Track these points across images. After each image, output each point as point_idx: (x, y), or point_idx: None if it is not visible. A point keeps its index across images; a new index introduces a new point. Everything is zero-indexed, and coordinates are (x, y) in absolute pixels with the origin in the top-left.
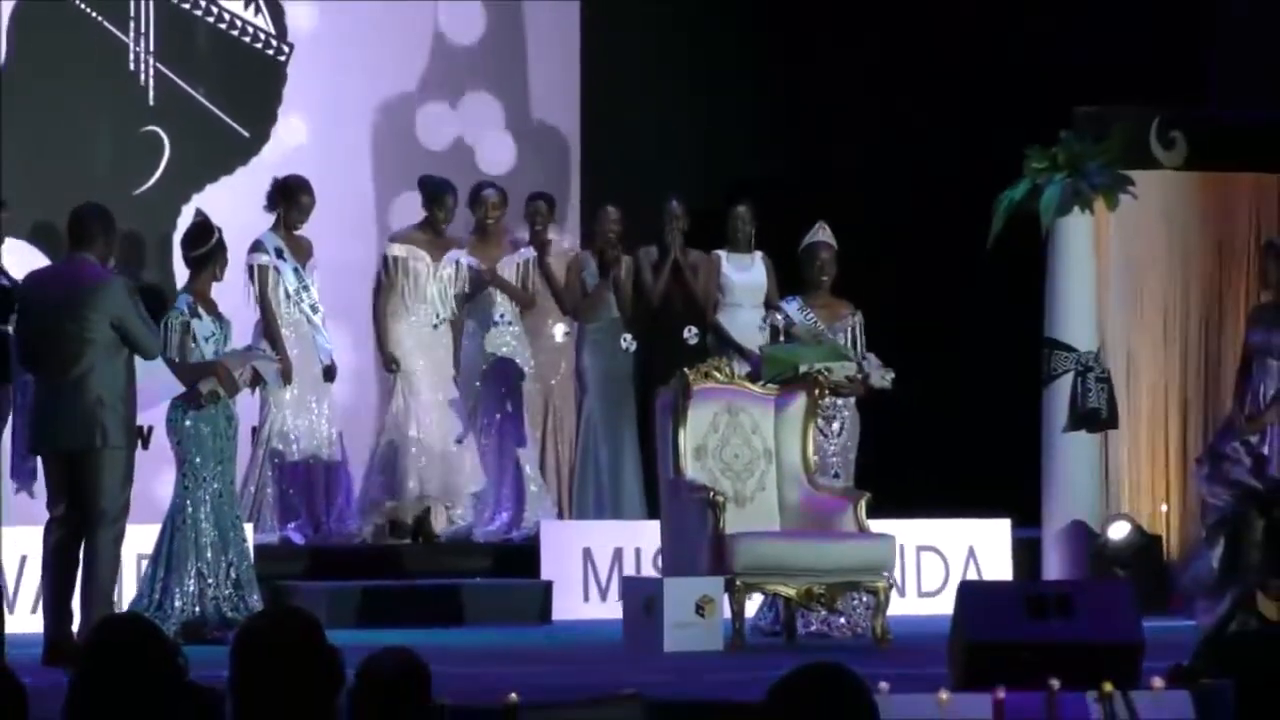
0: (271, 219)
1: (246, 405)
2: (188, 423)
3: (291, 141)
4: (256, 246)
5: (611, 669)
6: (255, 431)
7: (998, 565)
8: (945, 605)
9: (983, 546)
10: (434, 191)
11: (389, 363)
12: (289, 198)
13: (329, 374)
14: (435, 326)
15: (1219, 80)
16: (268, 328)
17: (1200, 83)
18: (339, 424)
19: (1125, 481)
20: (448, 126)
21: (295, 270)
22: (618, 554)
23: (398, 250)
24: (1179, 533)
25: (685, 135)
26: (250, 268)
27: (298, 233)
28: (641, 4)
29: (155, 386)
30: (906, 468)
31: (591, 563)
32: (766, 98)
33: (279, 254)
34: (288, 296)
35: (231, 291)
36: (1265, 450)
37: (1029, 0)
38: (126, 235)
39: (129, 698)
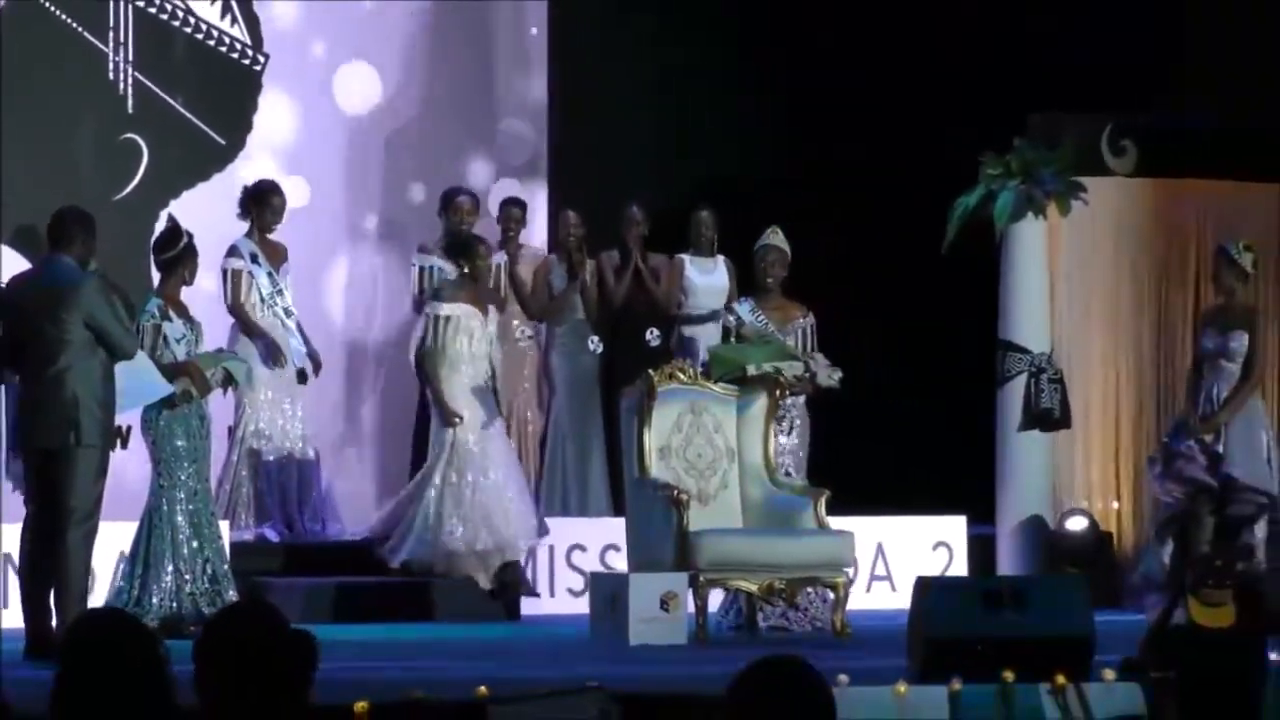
0: (245, 226)
1: (223, 406)
2: (162, 423)
3: (266, 149)
4: (231, 252)
5: (578, 662)
6: (231, 432)
7: (915, 562)
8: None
9: (893, 543)
10: (464, 247)
11: (452, 418)
12: (260, 202)
13: (302, 376)
14: (486, 381)
15: (1174, 87)
16: (245, 326)
17: (1153, 89)
18: (311, 425)
19: (1077, 479)
20: (419, 131)
21: (269, 274)
22: (585, 551)
23: (448, 310)
24: (1130, 529)
25: (650, 140)
26: (224, 272)
27: (272, 237)
28: (608, 10)
29: (137, 391)
30: (864, 466)
31: (559, 559)
32: (729, 104)
33: (253, 259)
34: (262, 300)
35: (211, 295)
36: (1220, 449)
37: (985, 9)
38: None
39: (113, 691)
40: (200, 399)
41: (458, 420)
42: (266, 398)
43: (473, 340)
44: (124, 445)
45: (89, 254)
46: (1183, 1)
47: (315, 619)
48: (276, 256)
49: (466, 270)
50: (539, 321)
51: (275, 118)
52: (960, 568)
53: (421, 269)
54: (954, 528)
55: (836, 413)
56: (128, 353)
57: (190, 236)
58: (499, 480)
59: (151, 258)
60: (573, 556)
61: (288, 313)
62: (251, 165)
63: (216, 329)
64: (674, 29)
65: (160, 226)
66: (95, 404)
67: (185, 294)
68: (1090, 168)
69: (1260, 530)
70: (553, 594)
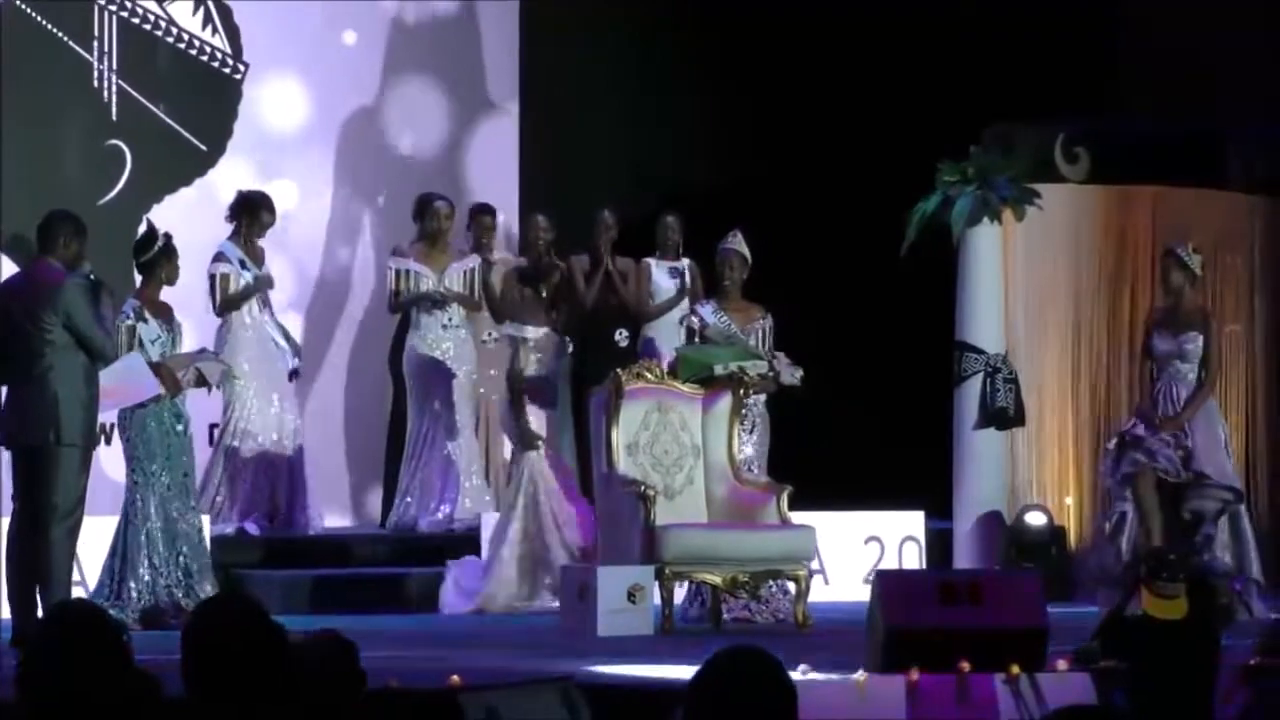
0: (229, 228)
1: (210, 403)
2: (136, 421)
3: (246, 157)
4: (218, 257)
5: (548, 652)
6: (214, 428)
7: (847, 557)
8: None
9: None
10: (532, 275)
11: (534, 441)
12: (251, 213)
13: (291, 375)
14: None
15: (1125, 95)
16: (235, 305)
17: (1105, 98)
18: (296, 421)
19: (1031, 476)
20: (392, 140)
21: (257, 278)
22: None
23: (531, 333)
24: (1081, 524)
25: (618, 147)
26: (212, 277)
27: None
28: (578, 21)
29: (127, 391)
30: (827, 463)
31: None
32: (694, 112)
33: (241, 264)
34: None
35: (199, 297)
36: (1190, 444)
37: (942, 22)
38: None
39: (77, 674)
40: (171, 399)
41: (539, 443)
42: (253, 395)
43: (544, 361)
44: (107, 443)
45: (77, 257)
46: (1131, 11)
47: (293, 610)
48: (257, 259)
49: (544, 294)
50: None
51: (256, 123)
52: (891, 561)
53: (397, 271)
54: (893, 523)
55: (798, 411)
56: (106, 356)
57: (168, 238)
58: (553, 506)
59: (133, 261)
60: None
61: (271, 311)
62: (232, 171)
63: (208, 330)
64: (642, 39)
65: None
66: (77, 403)
67: (178, 298)
68: (1044, 175)
69: (1223, 524)
70: None
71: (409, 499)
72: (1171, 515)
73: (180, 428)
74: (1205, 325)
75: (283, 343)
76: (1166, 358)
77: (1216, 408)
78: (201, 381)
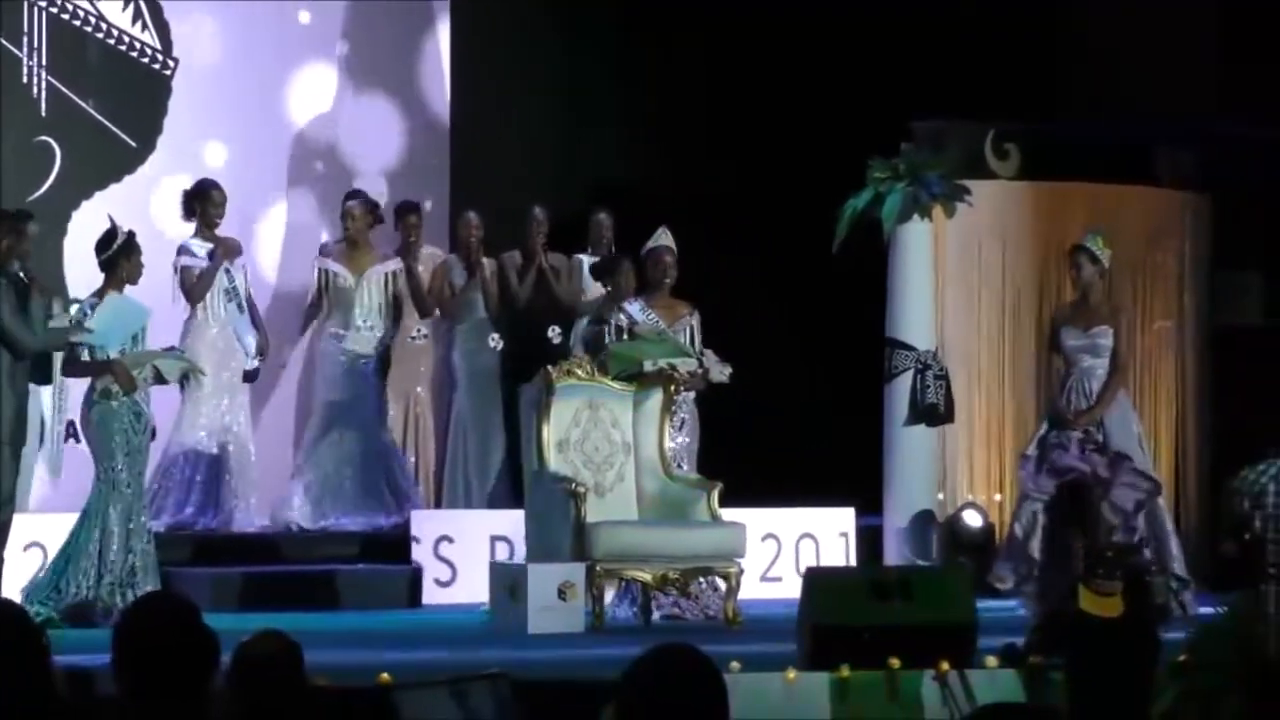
0: (190, 228)
1: (163, 402)
2: (96, 420)
3: (177, 151)
4: (182, 250)
5: (479, 650)
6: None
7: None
8: None
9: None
10: (612, 267)
11: None
12: (202, 198)
13: (248, 376)
14: None
15: (1057, 92)
16: (206, 288)
17: (1038, 95)
18: (245, 420)
19: (962, 473)
20: (320, 137)
21: (226, 271)
22: (485, 541)
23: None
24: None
25: (549, 144)
26: (176, 267)
27: (224, 234)
28: (507, 18)
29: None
30: (755, 460)
31: (460, 550)
32: (624, 109)
33: (210, 256)
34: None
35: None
36: (1100, 438)
37: (874, 19)
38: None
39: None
40: (128, 396)
41: None
42: (205, 393)
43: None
44: (41, 442)
45: (9, 253)
46: (1063, 9)
47: (222, 608)
48: (230, 251)
49: (610, 289)
50: (443, 318)
51: (186, 121)
52: (788, 560)
53: (320, 270)
54: (821, 520)
55: (727, 408)
56: (26, 350)
57: (129, 236)
58: None
59: (75, 260)
60: (468, 545)
61: (240, 308)
62: (162, 167)
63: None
64: (572, 36)
65: (75, 227)
66: (5, 401)
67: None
68: (975, 172)
69: (1143, 518)
70: (454, 584)
71: (324, 496)
72: (1095, 514)
73: (140, 426)
74: (1116, 319)
75: (250, 343)
76: (1076, 353)
77: (1130, 404)
78: (160, 379)
